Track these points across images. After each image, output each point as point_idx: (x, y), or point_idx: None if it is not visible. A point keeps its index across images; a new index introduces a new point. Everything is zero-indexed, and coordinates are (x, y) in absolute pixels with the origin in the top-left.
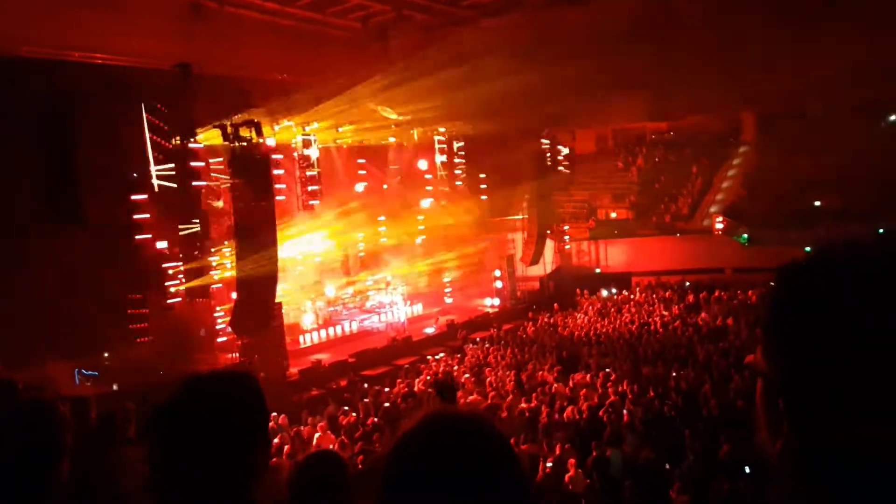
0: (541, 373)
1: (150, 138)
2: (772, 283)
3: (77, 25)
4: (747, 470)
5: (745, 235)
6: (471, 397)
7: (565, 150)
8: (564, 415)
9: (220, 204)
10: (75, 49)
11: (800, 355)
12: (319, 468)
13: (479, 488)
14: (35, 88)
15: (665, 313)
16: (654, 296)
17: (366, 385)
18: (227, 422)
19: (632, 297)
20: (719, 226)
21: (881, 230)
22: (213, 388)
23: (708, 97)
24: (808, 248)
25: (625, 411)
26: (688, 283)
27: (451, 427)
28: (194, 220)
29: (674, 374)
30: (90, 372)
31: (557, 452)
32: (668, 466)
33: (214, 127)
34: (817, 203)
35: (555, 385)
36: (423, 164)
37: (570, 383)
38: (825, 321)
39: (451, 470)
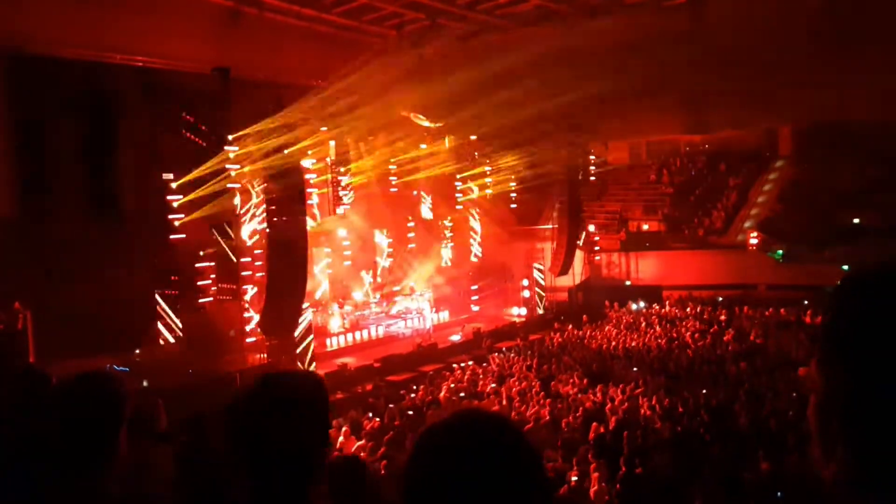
0: (566, 385)
1: (188, 140)
2: (834, 296)
3: (119, 29)
4: (779, 495)
5: (781, 252)
6: (495, 407)
7: (598, 161)
8: (590, 428)
9: None
10: (117, 51)
11: (862, 378)
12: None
13: (502, 483)
14: (80, 87)
15: (696, 328)
16: (686, 310)
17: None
18: (299, 421)
19: (662, 310)
20: (753, 241)
21: None
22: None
23: (744, 110)
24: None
25: (652, 427)
26: (720, 299)
27: (477, 423)
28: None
29: (704, 391)
30: (121, 368)
31: (583, 466)
32: (691, 484)
33: (250, 130)
34: (856, 220)
35: (581, 397)
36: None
37: (598, 396)
38: (893, 343)
39: (475, 463)
